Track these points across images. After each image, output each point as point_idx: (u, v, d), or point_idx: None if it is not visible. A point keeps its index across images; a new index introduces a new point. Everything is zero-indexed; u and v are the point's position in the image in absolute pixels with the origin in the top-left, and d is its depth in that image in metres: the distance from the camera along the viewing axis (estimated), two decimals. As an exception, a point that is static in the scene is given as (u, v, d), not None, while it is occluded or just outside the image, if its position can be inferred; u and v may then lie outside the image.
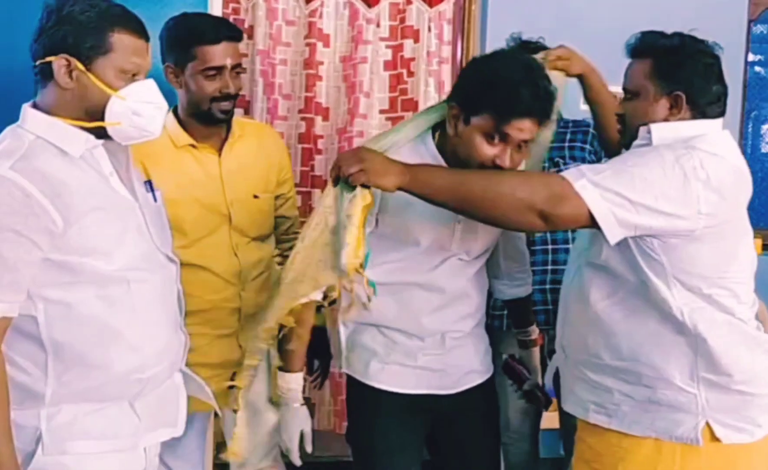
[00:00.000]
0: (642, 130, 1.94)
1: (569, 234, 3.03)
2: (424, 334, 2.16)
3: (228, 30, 2.31)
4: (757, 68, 4.65)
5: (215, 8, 3.08)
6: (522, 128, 1.94)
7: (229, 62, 2.26)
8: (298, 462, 2.16)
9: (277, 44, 3.47)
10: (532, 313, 2.55)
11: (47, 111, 1.69)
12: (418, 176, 1.85)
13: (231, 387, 2.36)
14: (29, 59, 1.72)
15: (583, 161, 2.96)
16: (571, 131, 3.02)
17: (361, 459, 2.27)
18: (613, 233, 1.79)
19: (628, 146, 2.01)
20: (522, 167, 2.14)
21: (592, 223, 1.79)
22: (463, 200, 1.85)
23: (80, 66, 1.65)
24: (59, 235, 1.60)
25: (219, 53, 2.25)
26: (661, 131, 1.92)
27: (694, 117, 1.94)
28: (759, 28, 4.33)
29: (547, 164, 2.90)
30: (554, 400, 3.12)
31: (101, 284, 1.66)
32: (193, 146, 2.32)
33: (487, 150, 1.96)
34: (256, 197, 2.40)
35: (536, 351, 2.51)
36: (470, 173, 1.94)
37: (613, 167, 1.84)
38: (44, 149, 1.65)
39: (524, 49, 2.79)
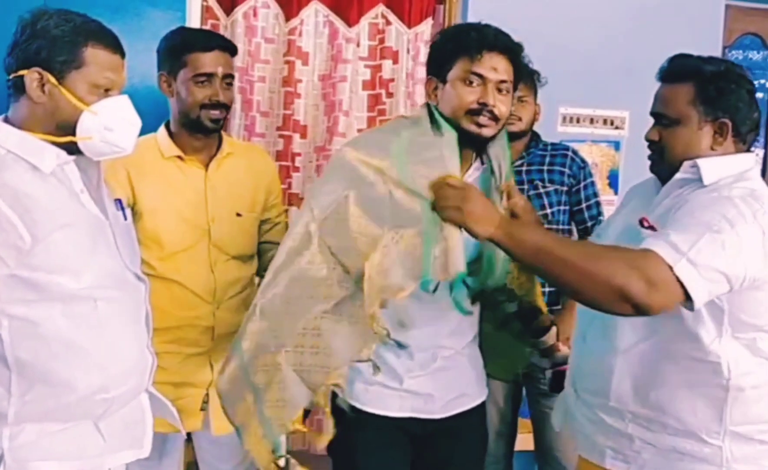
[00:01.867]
0: (686, 164, 1.87)
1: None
2: (414, 348, 2.09)
3: (221, 41, 2.37)
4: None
5: (193, 25, 3.08)
6: (495, 66, 1.98)
7: (219, 71, 2.28)
8: None
9: (256, 61, 3.46)
10: (547, 317, 2.37)
11: (19, 125, 1.67)
12: (512, 232, 1.76)
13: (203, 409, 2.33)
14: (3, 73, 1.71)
15: (562, 184, 2.98)
16: (551, 155, 3.04)
17: None
18: (702, 304, 1.71)
19: (664, 179, 1.93)
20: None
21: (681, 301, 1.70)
22: (553, 266, 1.73)
23: (52, 80, 1.65)
24: (27, 251, 1.58)
25: (209, 61, 2.27)
26: (711, 168, 1.84)
27: (736, 144, 1.90)
28: (734, 54, 4.38)
29: (526, 186, 2.93)
30: (527, 420, 3.14)
31: (67, 302, 1.64)
32: (180, 157, 2.32)
33: (468, 94, 1.99)
34: (239, 215, 2.38)
35: (565, 348, 2.36)
36: (566, 241, 1.92)
37: (705, 236, 1.69)
38: (15, 163, 1.63)
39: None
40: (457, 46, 2.02)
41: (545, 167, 3.00)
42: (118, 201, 1.88)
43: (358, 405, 2.13)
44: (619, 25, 3.78)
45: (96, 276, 1.68)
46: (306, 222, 2.00)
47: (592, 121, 3.86)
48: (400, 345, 2.04)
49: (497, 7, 3.68)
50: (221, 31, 3.38)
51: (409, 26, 3.59)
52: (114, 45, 1.72)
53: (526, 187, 2.94)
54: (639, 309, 1.67)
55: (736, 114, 1.88)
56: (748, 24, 4.24)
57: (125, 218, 1.87)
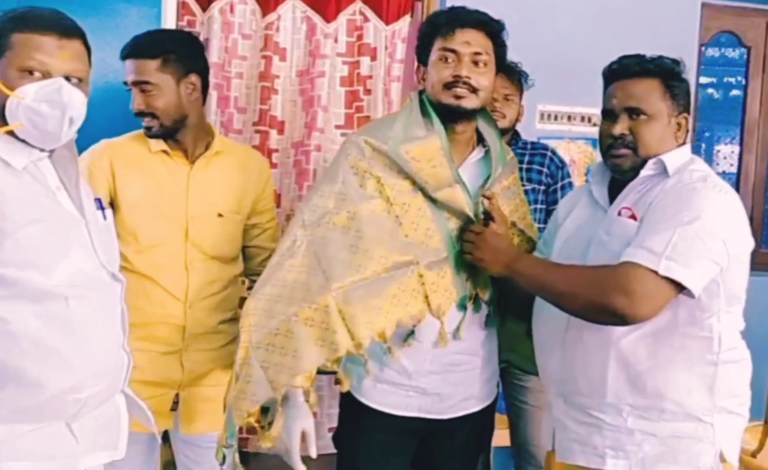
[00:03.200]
0: (649, 163, 1.93)
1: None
2: (426, 341, 2.08)
3: (137, 48, 2.26)
4: (710, 90, 4.75)
5: (169, 21, 3.05)
6: (468, 40, 2.05)
7: (130, 79, 2.24)
8: (301, 467, 2.03)
9: (233, 58, 3.44)
10: None
11: None
12: (515, 269, 1.96)
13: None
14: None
15: (539, 183, 2.99)
16: (530, 153, 3.04)
17: (343, 465, 2.25)
18: (699, 290, 1.79)
19: (629, 174, 1.96)
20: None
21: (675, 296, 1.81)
22: (548, 294, 1.93)
23: None
24: None
25: (126, 69, 2.25)
26: (672, 160, 1.93)
27: (686, 137, 1.99)
28: (710, 52, 4.42)
29: None
30: (505, 417, 3.15)
31: (39, 300, 1.62)
32: (165, 152, 2.29)
33: (444, 70, 2.07)
34: (220, 215, 2.34)
35: None
36: (555, 267, 1.98)
37: (677, 231, 1.79)
38: None
39: (510, 69, 2.91)
40: (433, 28, 2.10)
41: (524, 166, 3.00)
42: (98, 201, 1.86)
43: (364, 401, 2.15)
44: (596, 22, 3.79)
45: (68, 274, 1.65)
46: (297, 226, 2.06)
47: (569, 118, 3.87)
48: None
49: (475, 4, 3.70)
50: (197, 28, 3.37)
51: (387, 23, 3.58)
52: (46, 27, 1.65)
53: None
54: (627, 321, 1.81)
55: (688, 108, 2.00)
56: (725, 22, 4.27)
57: (105, 218, 1.85)
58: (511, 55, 2.96)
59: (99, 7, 2.71)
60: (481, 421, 2.27)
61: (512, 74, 2.95)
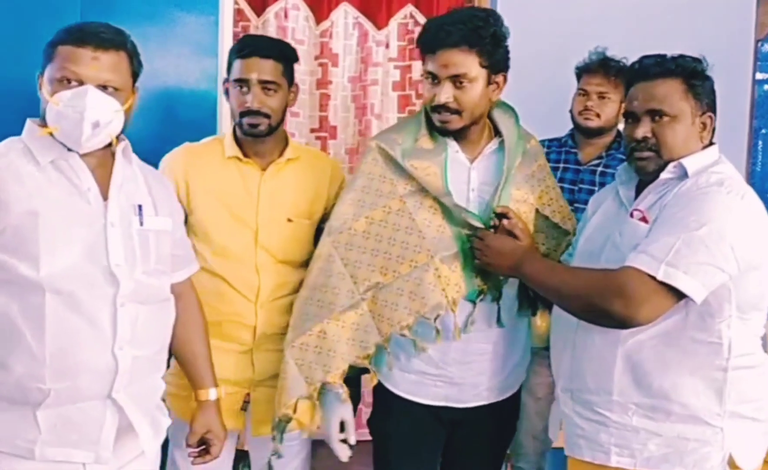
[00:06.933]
0: (669, 166, 1.90)
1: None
2: (448, 333, 2.11)
3: (264, 48, 2.31)
4: (766, 87, 4.67)
5: (226, 28, 3.11)
6: (445, 62, 2.00)
7: (254, 77, 2.25)
8: (342, 453, 2.15)
9: (286, 62, 3.50)
10: None
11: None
12: (521, 271, 2.01)
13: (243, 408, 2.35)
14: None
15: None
16: None
17: (377, 450, 2.31)
18: (701, 297, 1.76)
19: (653, 176, 1.94)
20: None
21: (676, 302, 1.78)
22: (550, 294, 1.97)
23: (42, 79, 1.79)
24: None
25: (244, 67, 2.27)
26: (694, 165, 1.88)
27: (711, 137, 1.94)
28: (767, 47, 4.35)
29: (597, 188, 2.79)
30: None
31: (21, 287, 1.69)
32: (238, 158, 2.33)
33: (426, 93, 2.08)
34: (290, 221, 2.35)
35: None
36: (558, 268, 2.01)
37: (681, 237, 1.75)
38: (18, 152, 1.76)
39: (605, 65, 2.86)
40: (420, 44, 2.08)
41: None
42: (139, 206, 1.89)
43: (394, 391, 2.20)
44: (651, 19, 3.75)
45: (56, 268, 1.70)
46: (325, 232, 2.18)
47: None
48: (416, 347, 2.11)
49: (525, 7, 3.69)
50: (251, 33, 3.43)
51: (439, 25, 3.59)
52: (82, 40, 1.76)
53: (597, 189, 2.78)
54: (625, 324, 1.81)
55: (713, 107, 1.94)
56: (781, 17, 4.20)
57: (141, 224, 1.87)
58: (568, 52, 2.97)
59: (158, 17, 2.77)
60: (507, 411, 2.29)
61: (608, 71, 2.85)
